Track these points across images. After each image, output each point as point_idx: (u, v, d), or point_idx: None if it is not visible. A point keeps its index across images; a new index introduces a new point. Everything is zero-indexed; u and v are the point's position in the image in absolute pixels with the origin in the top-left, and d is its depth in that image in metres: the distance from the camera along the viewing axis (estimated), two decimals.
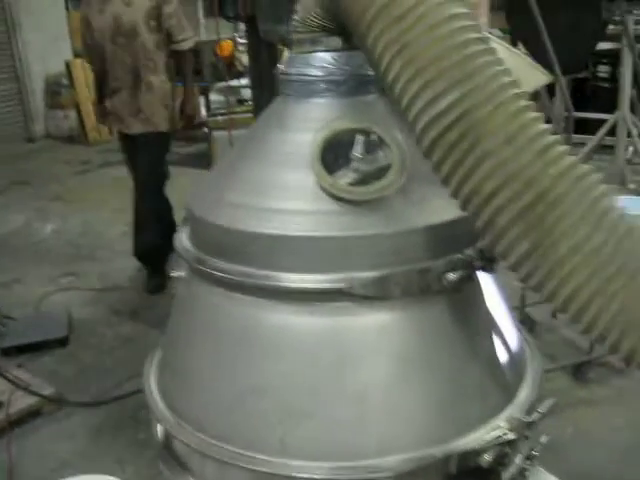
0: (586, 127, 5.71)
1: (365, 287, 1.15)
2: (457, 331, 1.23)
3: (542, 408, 1.34)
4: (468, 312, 1.26)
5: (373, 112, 1.23)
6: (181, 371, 1.36)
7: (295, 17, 1.31)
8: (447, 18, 1.01)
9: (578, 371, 3.04)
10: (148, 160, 3.97)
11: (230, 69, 6.90)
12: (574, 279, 0.98)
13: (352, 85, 1.26)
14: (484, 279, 1.33)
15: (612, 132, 5.16)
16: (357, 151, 1.14)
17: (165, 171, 4.12)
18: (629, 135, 5.08)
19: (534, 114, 1.01)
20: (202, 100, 7.18)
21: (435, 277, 1.17)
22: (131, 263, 4.19)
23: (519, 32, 4.49)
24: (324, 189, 1.16)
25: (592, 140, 5.05)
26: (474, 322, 1.28)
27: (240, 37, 6.29)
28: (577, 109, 6.23)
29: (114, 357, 3.44)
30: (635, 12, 4.89)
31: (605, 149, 5.44)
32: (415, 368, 1.20)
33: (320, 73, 1.26)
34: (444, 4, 1.02)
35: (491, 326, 1.33)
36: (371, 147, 1.16)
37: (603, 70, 5.99)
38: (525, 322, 3.28)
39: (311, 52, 1.28)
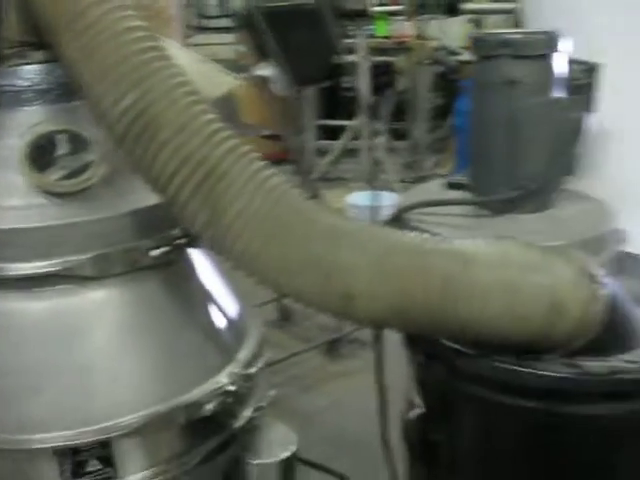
0: (338, 134, 6.24)
1: (80, 268, 1.30)
2: (170, 301, 1.42)
3: (260, 363, 1.57)
4: (180, 284, 1.46)
5: (77, 116, 1.38)
6: None
7: (1, 33, 1.43)
8: (125, 30, 1.20)
9: (331, 349, 3.36)
10: None
11: None
12: (243, 237, 1.20)
13: (57, 93, 1.41)
14: (199, 257, 1.53)
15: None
16: (61, 150, 1.30)
17: None
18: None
19: (202, 106, 1.22)
20: None
21: (142, 254, 1.36)
22: None
23: (263, 48, 4.82)
24: (34, 185, 1.30)
25: (337, 145, 5.53)
26: (187, 293, 1.47)
27: None
28: (329, 117, 6.76)
29: None
30: (365, 28, 5.44)
31: (355, 152, 5.97)
32: (133, 338, 1.37)
33: (26, 84, 1.40)
34: (124, 18, 1.21)
35: (206, 297, 1.53)
36: (75, 146, 1.32)
37: (347, 80, 6.53)
38: (282, 312, 3.55)
39: (18, 65, 1.41)
